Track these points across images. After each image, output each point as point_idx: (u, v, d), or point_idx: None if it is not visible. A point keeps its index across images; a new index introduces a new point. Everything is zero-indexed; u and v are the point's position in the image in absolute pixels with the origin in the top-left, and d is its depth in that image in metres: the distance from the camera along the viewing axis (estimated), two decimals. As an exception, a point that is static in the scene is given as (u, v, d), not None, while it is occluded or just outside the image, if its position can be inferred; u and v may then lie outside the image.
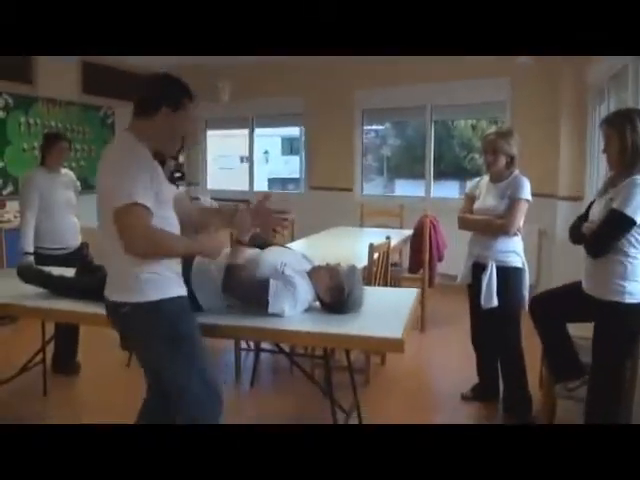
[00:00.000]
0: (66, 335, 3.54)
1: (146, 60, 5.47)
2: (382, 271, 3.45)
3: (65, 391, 3.45)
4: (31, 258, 3.32)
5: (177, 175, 7.20)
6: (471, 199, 3.08)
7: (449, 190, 7.68)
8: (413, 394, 3.42)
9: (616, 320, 2.34)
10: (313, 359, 3.40)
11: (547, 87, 5.40)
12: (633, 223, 2.22)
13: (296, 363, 3.21)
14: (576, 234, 2.49)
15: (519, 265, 2.93)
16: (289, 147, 13.51)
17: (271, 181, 11.51)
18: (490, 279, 2.89)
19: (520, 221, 2.89)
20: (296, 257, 2.41)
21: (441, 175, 7.30)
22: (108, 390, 3.44)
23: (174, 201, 2.07)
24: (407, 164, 9.03)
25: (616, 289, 2.31)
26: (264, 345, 3.65)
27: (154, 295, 1.88)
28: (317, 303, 2.27)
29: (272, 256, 2.31)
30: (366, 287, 2.37)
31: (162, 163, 2.05)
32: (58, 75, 5.66)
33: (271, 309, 2.12)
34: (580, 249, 2.45)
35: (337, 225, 5.23)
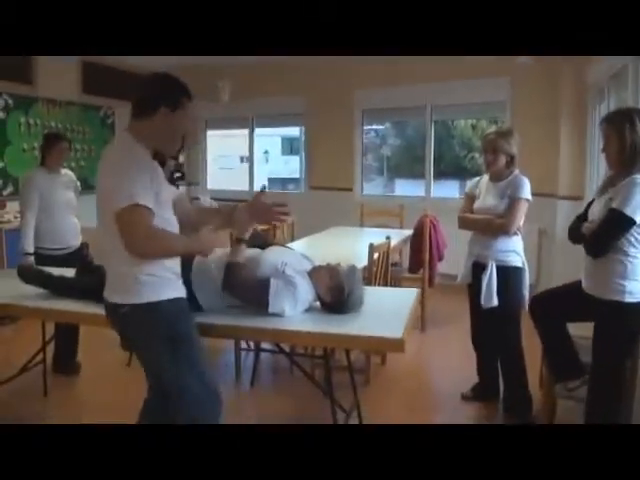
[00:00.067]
0: (66, 335, 3.54)
1: (146, 60, 5.47)
2: (382, 271, 3.45)
3: (65, 391, 3.45)
4: (31, 258, 3.32)
5: (177, 175, 7.20)
6: (471, 199, 3.08)
7: (449, 190, 7.69)
8: (413, 394, 3.42)
9: (616, 319, 2.34)
10: (313, 359, 3.40)
11: (547, 87, 5.40)
12: (633, 222, 2.22)
13: (296, 363, 3.21)
14: (575, 234, 2.48)
15: (519, 265, 2.93)
16: (289, 147, 13.53)
17: (271, 181, 11.52)
18: (490, 279, 2.89)
19: (520, 221, 2.89)
20: (296, 257, 2.41)
21: (441, 175, 7.30)
22: (108, 390, 3.44)
23: (173, 202, 2.07)
24: (407, 164, 9.05)
25: (616, 288, 2.30)
26: (264, 345, 3.65)
27: (152, 296, 1.89)
28: (317, 303, 2.27)
29: (273, 256, 2.31)
30: (366, 287, 2.37)
31: (162, 163, 2.05)
32: (58, 75, 5.66)
33: (271, 309, 2.12)
34: (580, 249, 2.44)
35: (337, 225, 5.23)
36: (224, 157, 11.22)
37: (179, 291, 1.99)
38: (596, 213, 2.40)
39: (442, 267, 4.69)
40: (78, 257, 3.56)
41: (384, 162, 8.60)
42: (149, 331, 1.91)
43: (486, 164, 2.98)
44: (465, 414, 3.11)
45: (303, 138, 7.05)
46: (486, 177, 3.05)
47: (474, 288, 3.02)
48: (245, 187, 7.47)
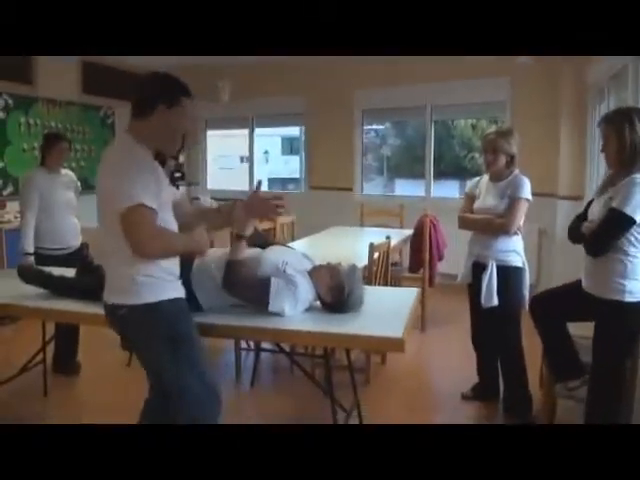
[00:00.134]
0: (66, 335, 3.54)
1: (146, 60, 5.46)
2: (382, 271, 3.45)
3: (65, 391, 3.45)
4: (31, 258, 3.32)
5: (177, 175, 7.20)
6: (471, 198, 3.08)
7: (449, 190, 7.69)
8: (413, 394, 3.42)
9: (616, 319, 2.34)
10: (313, 358, 3.40)
11: (547, 87, 5.40)
12: (633, 222, 2.22)
13: (296, 363, 3.21)
14: (575, 233, 2.48)
15: (519, 264, 2.93)
16: (289, 147, 13.53)
17: (271, 181, 11.52)
18: (490, 278, 2.89)
19: (520, 220, 2.89)
20: (297, 256, 2.41)
21: (441, 175, 7.31)
22: (108, 390, 3.44)
23: (174, 204, 2.07)
24: (407, 164, 9.05)
25: (616, 288, 2.31)
26: (264, 345, 3.65)
27: (151, 297, 1.89)
28: (318, 302, 2.27)
29: (273, 255, 2.31)
30: (366, 286, 2.37)
31: (162, 163, 2.05)
32: (58, 75, 5.66)
33: (271, 308, 2.12)
34: (580, 248, 2.44)
35: (337, 225, 5.23)
36: (224, 157, 11.22)
37: (178, 291, 2.00)
38: (596, 213, 2.40)
39: (442, 267, 4.69)
40: (78, 257, 3.56)
41: (384, 162, 8.60)
42: (148, 332, 1.91)
43: (486, 164, 2.98)
44: (465, 414, 3.11)
45: (303, 138, 7.05)
46: (486, 177, 3.05)
47: (474, 288, 3.02)
48: (245, 187, 7.47)
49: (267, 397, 3.46)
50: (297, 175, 7.70)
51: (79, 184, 3.78)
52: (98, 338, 3.38)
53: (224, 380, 3.46)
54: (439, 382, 3.75)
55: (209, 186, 7.71)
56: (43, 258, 3.33)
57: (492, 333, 3.03)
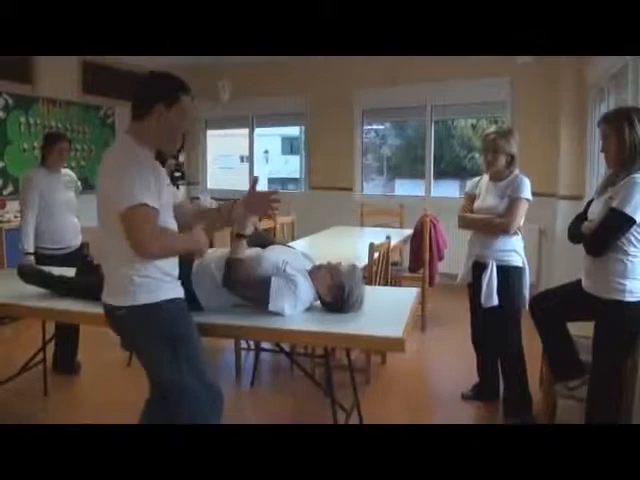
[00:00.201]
0: (66, 334, 3.54)
1: (146, 60, 5.46)
2: (382, 270, 3.45)
3: (65, 391, 3.45)
4: (31, 258, 3.32)
5: (177, 175, 7.20)
6: (471, 198, 3.08)
7: (449, 190, 7.69)
8: (413, 394, 3.42)
9: (616, 319, 2.34)
10: (313, 358, 3.40)
11: (547, 87, 5.40)
12: (633, 222, 2.22)
13: (296, 362, 3.21)
14: (575, 233, 2.49)
15: (519, 264, 2.93)
16: (289, 147, 13.52)
17: (271, 181, 11.52)
18: (490, 278, 2.89)
19: (520, 220, 2.89)
20: (297, 256, 2.41)
21: (441, 175, 7.31)
22: (109, 389, 3.44)
23: (175, 206, 2.07)
24: (407, 164, 9.05)
25: (616, 287, 2.31)
26: (264, 345, 3.66)
27: (149, 298, 1.89)
28: (318, 302, 2.27)
29: (273, 254, 2.31)
30: (366, 286, 2.37)
31: (162, 163, 2.05)
32: (58, 75, 5.66)
33: (271, 307, 2.12)
34: (580, 248, 2.44)
35: (337, 225, 5.23)
36: (224, 157, 11.22)
37: (176, 292, 2.00)
38: (596, 213, 2.40)
39: (442, 267, 4.69)
40: (78, 257, 3.55)
41: (384, 162, 8.60)
42: (147, 332, 1.91)
43: (486, 164, 2.98)
44: (465, 414, 3.11)
45: (303, 138, 7.05)
46: (486, 177, 3.05)
47: (474, 288, 3.02)
48: (245, 187, 7.42)
49: (267, 397, 3.46)
50: (297, 175, 7.71)
51: (79, 184, 3.78)
52: (98, 338, 3.38)
53: (224, 380, 3.46)
54: (439, 382, 3.75)
55: (209, 186, 7.71)
56: (43, 258, 3.33)
57: (492, 333, 3.03)
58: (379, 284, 3.35)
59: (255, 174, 7.45)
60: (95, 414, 3.02)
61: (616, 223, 2.26)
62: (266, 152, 12.31)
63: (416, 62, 5.65)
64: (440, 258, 4.58)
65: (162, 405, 2.08)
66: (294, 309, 2.16)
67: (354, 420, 2.70)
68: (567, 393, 2.71)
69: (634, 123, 2.27)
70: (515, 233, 2.91)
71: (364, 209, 5.49)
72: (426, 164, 6.31)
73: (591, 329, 2.43)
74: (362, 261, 3.15)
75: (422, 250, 4.42)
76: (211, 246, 2.22)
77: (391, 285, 3.91)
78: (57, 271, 2.65)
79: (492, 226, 2.89)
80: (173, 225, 2.02)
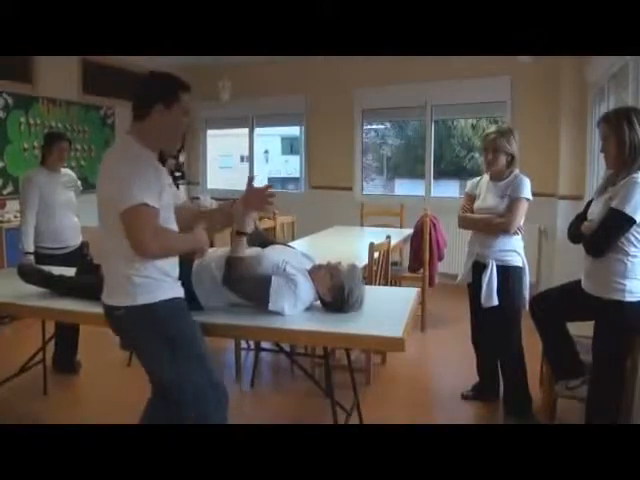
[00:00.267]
0: (66, 334, 3.54)
1: (146, 60, 5.45)
2: (382, 270, 3.45)
3: (65, 390, 3.45)
4: (31, 258, 3.32)
5: (177, 174, 7.19)
6: (471, 198, 3.08)
7: (449, 189, 7.69)
8: (413, 394, 3.42)
9: (616, 319, 2.34)
10: (313, 358, 3.40)
11: (547, 86, 5.40)
12: (632, 222, 2.22)
13: (296, 362, 3.21)
14: (575, 233, 2.49)
15: (519, 264, 2.93)
16: (289, 146, 13.51)
17: (271, 181, 11.50)
18: (490, 278, 2.88)
19: (520, 220, 2.88)
20: (297, 256, 2.41)
21: (441, 174, 7.31)
22: (108, 389, 3.44)
23: (176, 207, 2.07)
24: (407, 163, 9.05)
25: (616, 287, 2.31)
26: (264, 345, 3.66)
27: (147, 298, 1.89)
28: (318, 302, 2.27)
29: (273, 254, 2.32)
30: (366, 286, 2.37)
31: (162, 163, 2.05)
32: (58, 75, 5.65)
33: (272, 306, 2.12)
34: (580, 248, 2.44)
35: (337, 224, 5.24)
36: (224, 157, 11.22)
37: (175, 291, 1.99)
38: (596, 213, 2.40)
39: (442, 267, 4.69)
40: (78, 256, 3.56)
41: (384, 162, 8.60)
42: (146, 332, 1.91)
43: (486, 164, 2.97)
44: (465, 414, 3.11)
45: (303, 137, 7.05)
46: (486, 177, 3.05)
47: (474, 288, 3.02)
48: (245, 187, 7.44)
49: (267, 397, 3.46)
50: (297, 175, 7.70)
51: (79, 183, 3.78)
52: (98, 337, 3.38)
53: (224, 380, 3.45)
54: (439, 382, 3.75)
55: (209, 186, 7.71)
56: (43, 257, 3.33)
57: (492, 333, 3.03)
58: (379, 284, 3.35)
59: (255, 174, 7.46)
60: (95, 414, 3.02)
61: (616, 223, 2.26)
62: (266, 152, 12.31)
63: (416, 62, 5.65)
64: (440, 258, 4.58)
65: (164, 405, 2.08)
66: (294, 309, 2.16)
67: (354, 420, 2.70)
68: (567, 393, 2.71)
69: (634, 123, 2.27)
70: (515, 233, 2.91)
71: (364, 209, 5.49)
72: (426, 164, 6.31)
73: (591, 329, 2.43)
74: (362, 261, 3.15)
75: (422, 250, 4.42)
76: (211, 246, 2.22)
77: (391, 285, 3.91)
78: (57, 271, 2.65)
79: (492, 226, 2.89)
80: (174, 226, 2.01)
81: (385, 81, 6.20)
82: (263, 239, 2.55)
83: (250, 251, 2.28)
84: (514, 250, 2.92)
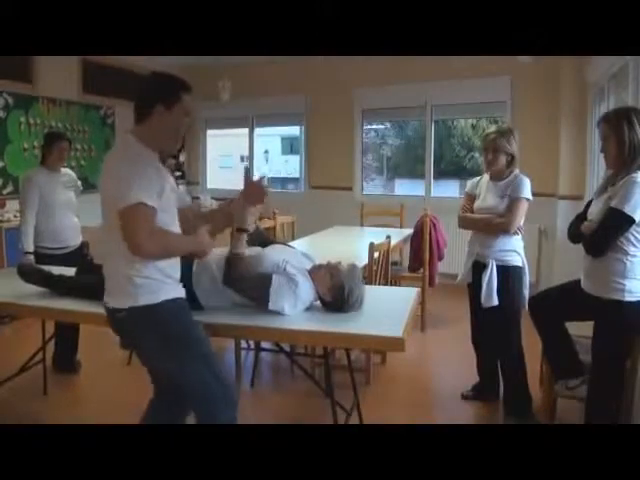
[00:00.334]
0: (66, 334, 3.54)
1: (146, 59, 5.46)
2: (382, 270, 3.45)
3: (65, 390, 3.45)
4: (31, 257, 3.32)
5: (177, 174, 7.20)
6: (471, 198, 3.08)
7: (449, 189, 7.69)
8: (413, 394, 3.42)
9: (616, 318, 2.34)
10: (313, 358, 3.40)
11: (547, 86, 5.40)
12: (632, 221, 2.22)
13: (296, 362, 3.21)
14: (575, 234, 2.49)
15: (519, 264, 2.93)
16: (289, 146, 13.50)
17: (271, 180, 11.49)
18: (490, 278, 2.89)
19: (520, 220, 2.88)
20: (297, 255, 2.41)
21: (441, 174, 7.31)
22: (108, 388, 3.44)
23: (179, 209, 2.07)
24: (407, 163, 9.04)
25: (616, 287, 2.31)
26: (264, 344, 3.66)
27: (149, 299, 1.88)
28: (318, 302, 2.27)
29: (274, 254, 2.32)
30: (366, 286, 2.37)
31: (162, 162, 2.05)
32: (58, 74, 5.65)
33: (272, 305, 2.12)
34: (580, 248, 2.45)
35: (337, 224, 5.24)
36: (224, 156, 11.21)
37: (177, 292, 1.99)
38: (595, 212, 2.40)
39: (442, 267, 4.69)
40: (78, 256, 3.56)
41: (384, 162, 8.60)
42: (149, 333, 1.90)
43: (486, 163, 2.97)
44: (465, 414, 3.11)
45: (303, 137, 7.05)
46: (486, 177, 3.05)
47: (474, 288, 3.02)
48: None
49: (267, 397, 3.46)
50: (297, 175, 7.70)
51: (79, 183, 3.78)
52: (98, 337, 3.37)
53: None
54: (439, 382, 3.75)
55: (209, 186, 7.71)
56: (43, 257, 3.33)
57: (492, 333, 3.03)
58: (379, 284, 3.35)
59: (255, 174, 7.45)
60: (95, 413, 3.02)
61: (615, 223, 2.26)
62: (266, 152, 12.30)
63: (416, 62, 5.65)
64: (440, 258, 4.58)
65: (165, 406, 2.08)
66: (294, 308, 2.15)
67: (354, 420, 2.70)
68: (567, 393, 2.71)
69: (634, 123, 2.27)
70: (515, 233, 2.91)
71: (364, 209, 5.49)
72: (426, 164, 6.31)
73: (590, 329, 2.43)
74: (362, 261, 3.15)
75: (422, 250, 4.42)
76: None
77: (391, 285, 3.91)
78: (57, 270, 2.65)
79: (492, 226, 2.89)
80: (175, 227, 1.99)
81: (385, 81, 6.20)
82: (264, 239, 2.55)
83: (250, 251, 2.28)
84: (514, 250, 2.92)
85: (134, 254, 1.81)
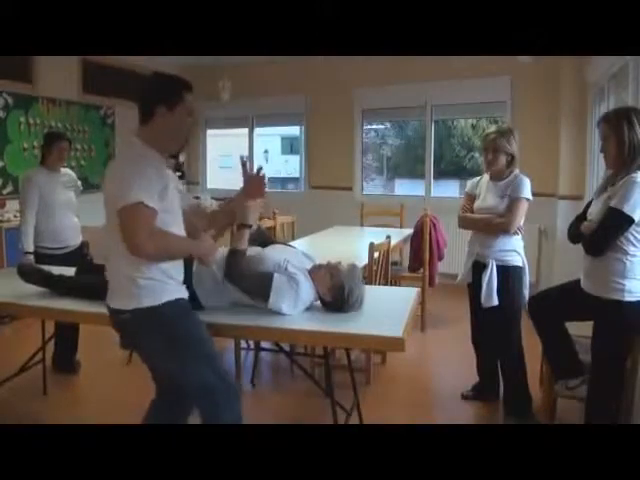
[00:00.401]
0: (66, 334, 3.54)
1: (147, 59, 5.47)
2: (382, 270, 3.45)
3: (65, 390, 3.45)
4: (31, 257, 3.32)
5: (177, 174, 7.19)
6: (471, 198, 3.08)
7: (449, 189, 7.70)
8: (413, 394, 3.42)
9: (615, 318, 2.34)
10: (313, 358, 3.40)
11: (547, 86, 5.40)
12: (631, 221, 2.22)
13: (296, 362, 3.21)
14: (574, 234, 2.49)
15: (519, 264, 2.93)
16: (289, 146, 13.51)
17: (271, 180, 11.49)
18: (490, 278, 2.89)
19: (520, 220, 2.88)
20: (297, 255, 2.41)
21: (441, 174, 7.31)
22: (108, 388, 3.44)
23: (184, 210, 2.06)
24: (407, 163, 9.05)
25: (615, 287, 2.31)
26: (264, 344, 3.66)
27: (153, 300, 1.88)
28: (318, 302, 2.27)
29: (274, 253, 2.32)
30: (366, 286, 2.37)
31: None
32: (58, 74, 5.65)
33: (272, 304, 2.12)
34: (580, 248, 2.45)
35: (337, 224, 5.24)
36: (224, 156, 11.21)
37: (180, 293, 1.98)
38: (595, 212, 2.40)
39: (442, 267, 4.69)
40: (78, 256, 3.56)
41: (384, 162, 8.60)
42: (153, 335, 1.90)
43: (486, 163, 2.97)
44: (465, 414, 3.11)
45: (303, 137, 7.05)
46: (486, 177, 3.05)
47: (474, 288, 3.02)
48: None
49: (267, 397, 3.46)
50: (297, 175, 7.70)
51: (79, 183, 3.78)
52: (98, 337, 3.38)
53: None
54: (439, 382, 3.75)
55: (209, 186, 7.71)
56: (43, 257, 3.33)
57: (492, 333, 3.03)
58: (379, 284, 3.35)
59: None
60: (95, 413, 3.02)
61: (615, 222, 2.26)
62: (266, 152, 12.30)
63: (416, 62, 5.65)
64: (440, 258, 4.58)
65: (167, 407, 2.08)
66: (294, 308, 2.15)
67: (354, 420, 2.70)
68: (567, 393, 2.71)
69: (634, 123, 2.27)
70: (515, 233, 2.91)
71: (364, 209, 5.49)
72: (426, 164, 6.31)
73: (590, 329, 2.43)
74: (362, 261, 3.15)
75: (422, 250, 4.42)
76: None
77: (391, 285, 3.91)
78: (57, 270, 2.65)
79: (492, 226, 2.89)
80: (178, 229, 1.98)
81: (385, 81, 6.20)
82: (265, 238, 2.55)
83: (250, 251, 2.28)
84: (514, 250, 2.92)
85: (133, 254, 1.80)
